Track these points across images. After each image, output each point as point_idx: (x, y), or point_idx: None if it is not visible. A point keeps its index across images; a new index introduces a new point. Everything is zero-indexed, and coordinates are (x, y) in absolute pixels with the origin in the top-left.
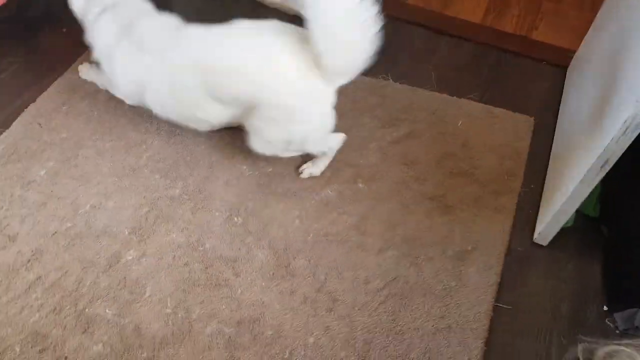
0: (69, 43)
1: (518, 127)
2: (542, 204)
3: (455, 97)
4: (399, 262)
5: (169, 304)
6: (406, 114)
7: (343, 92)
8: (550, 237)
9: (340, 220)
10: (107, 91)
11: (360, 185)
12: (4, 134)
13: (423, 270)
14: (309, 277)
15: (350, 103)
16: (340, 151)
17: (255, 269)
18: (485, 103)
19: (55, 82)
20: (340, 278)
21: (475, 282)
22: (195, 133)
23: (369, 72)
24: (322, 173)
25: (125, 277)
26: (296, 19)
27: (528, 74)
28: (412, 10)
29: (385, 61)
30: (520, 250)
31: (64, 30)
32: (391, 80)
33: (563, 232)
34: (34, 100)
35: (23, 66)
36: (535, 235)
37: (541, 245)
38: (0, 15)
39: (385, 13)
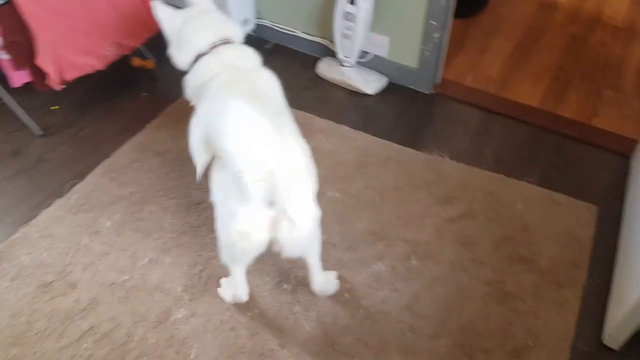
0: (146, 107)
1: (580, 214)
2: (611, 300)
3: (513, 178)
4: (452, 351)
5: None
6: (462, 193)
7: (400, 166)
8: (622, 341)
9: (392, 298)
10: (175, 151)
11: (414, 262)
12: (79, 184)
13: None
14: (355, 357)
15: (406, 177)
16: (395, 225)
17: (301, 341)
18: (544, 187)
19: (130, 141)
20: None
21: None
22: None
23: (424, 148)
24: (374, 246)
25: (172, 336)
26: (354, 94)
27: (589, 160)
28: (468, 91)
29: (441, 139)
30: (587, 351)
31: (143, 95)
32: (447, 158)
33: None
34: (108, 156)
35: (102, 124)
36: (605, 337)
37: (612, 349)
38: (89, 79)
39: (441, 92)
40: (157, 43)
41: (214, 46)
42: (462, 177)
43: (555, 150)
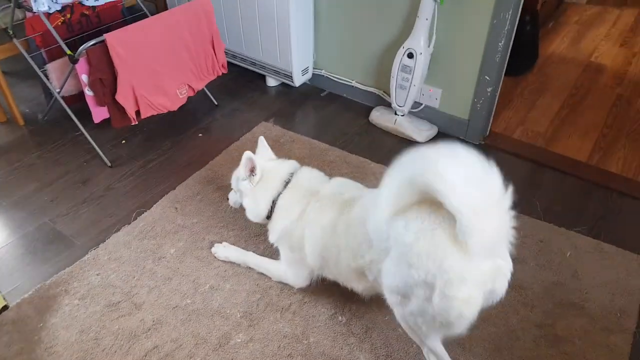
0: (205, 145)
1: (629, 265)
2: None
3: (562, 228)
4: None
5: None
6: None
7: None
8: None
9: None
10: None
11: None
12: (145, 213)
13: None
14: None
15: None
16: None
17: None
18: (593, 237)
19: (193, 175)
20: None
21: None
22: None
23: None
24: None
25: (232, 359)
26: (404, 141)
27: (637, 214)
28: (517, 144)
29: None
30: None
31: (200, 135)
32: None
33: None
34: (173, 188)
35: (169, 159)
36: None
37: None
38: (155, 117)
39: (490, 144)
40: (214, 86)
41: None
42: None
43: (603, 203)
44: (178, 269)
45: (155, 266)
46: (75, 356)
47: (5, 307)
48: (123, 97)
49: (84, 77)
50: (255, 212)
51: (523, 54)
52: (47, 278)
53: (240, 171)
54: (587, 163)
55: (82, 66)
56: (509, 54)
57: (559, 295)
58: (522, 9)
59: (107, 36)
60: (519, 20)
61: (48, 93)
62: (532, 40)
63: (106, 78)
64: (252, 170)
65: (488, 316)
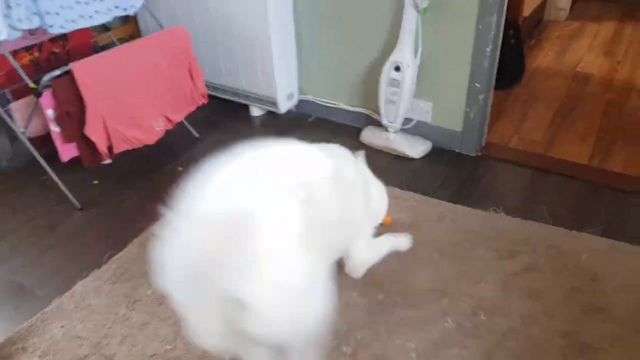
0: (186, 179)
1: None
2: None
3: (574, 231)
4: None
5: None
6: (523, 246)
7: (454, 223)
8: None
9: (463, 356)
10: None
11: (482, 317)
12: (118, 254)
13: None
14: None
15: (462, 234)
16: (456, 280)
17: None
18: (608, 238)
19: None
20: None
21: None
22: None
23: (477, 206)
24: (438, 302)
25: None
26: (399, 159)
27: None
28: (515, 152)
29: (493, 196)
30: None
31: (180, 169)
32: (503, 213)
33: None
34: (150, 226)
35: (146, 196)
36: None
37: None
38: (129, 153)
39: (487, 154)
40: (195, 118)
41: None
42: (521, 231)
43: (612, 203)
44: (155, 312)
45: (130, 311)
46: None
47: None
48: (92, 131)
49: (50, 112)
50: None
51: (510, 67)
52: (1, 336)
53: None
54: (589, 165)
55: (47, 100)
56: (497, 59)
57: (580, 300)
58: (505, 22)
59: (73, 65)
60: (503, 34)
61: (12, 136)
62: (517, 53)
63: (73, 111)
64: None
65: (507, 330)
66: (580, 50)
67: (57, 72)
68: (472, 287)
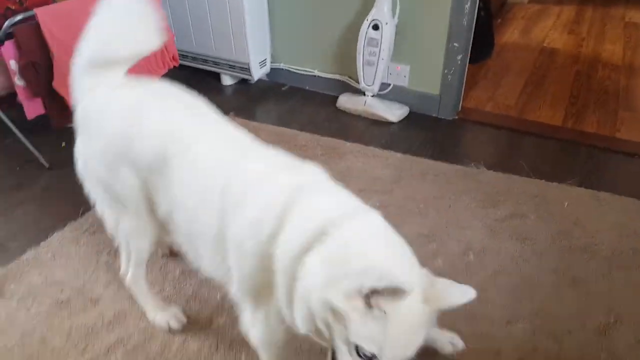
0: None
1: (629, 208)
2: None
3: (555, 182)
4: (532, 334)
5: None
6: (506, 197)
7: (437, 178)
8: None
9: None
10: None
11: (472, 257)
12: (93, 210)
13: (564, 343)
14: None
15: (446, 187)
16: (444, 227)
17: None
18: (587, 188)
19: None
20: (467, 349)
21: (630, 356)
22: None
23: (458, 162)
24: (427, 246)
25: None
26: (377, 123)
27: (623, 166)
28: (492, 116)
29: (473, 154)
30: None
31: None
32: (484, 168)
33: None
34: None
35: None
36: None
37: None
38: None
39: (464, 117)
40: None
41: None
42: (503, 184)
43: (587, 159)
44: None
45: (113, 258)
46: None
47: None
48: (60, 84)
49: (13, 64)
50: None
51: (481, 40)
52: None
53: None
54: (564, 126)
55: (9, 50)
56: (475, 16)
57: (566, 242)
58: None
59: (37, 10)
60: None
61: None
62: (487, 26)
63: (40, 63)
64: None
65: (498, 268)
66: (545, 29)
67: (19, 17)
68: (459, 232)
